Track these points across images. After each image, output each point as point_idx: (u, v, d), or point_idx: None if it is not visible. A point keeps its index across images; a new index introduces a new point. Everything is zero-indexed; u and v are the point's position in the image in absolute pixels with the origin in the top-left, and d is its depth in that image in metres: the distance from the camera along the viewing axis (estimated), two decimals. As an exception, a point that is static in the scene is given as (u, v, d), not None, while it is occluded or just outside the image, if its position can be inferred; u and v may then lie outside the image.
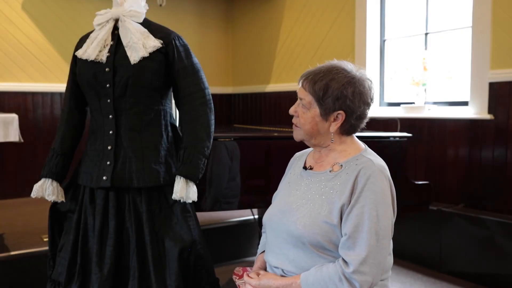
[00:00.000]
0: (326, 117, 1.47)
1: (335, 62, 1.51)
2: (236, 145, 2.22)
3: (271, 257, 1.55)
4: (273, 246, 1.55)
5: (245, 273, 1.64)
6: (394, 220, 1.46)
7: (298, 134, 1.55)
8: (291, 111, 1.54)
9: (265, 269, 1.60)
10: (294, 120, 1.55)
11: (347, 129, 1.50)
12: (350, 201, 1.39)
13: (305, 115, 1.50)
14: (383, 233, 1.36)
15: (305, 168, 1.59)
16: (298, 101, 1.52)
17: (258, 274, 1.54)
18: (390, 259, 1.52)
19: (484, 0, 3.25)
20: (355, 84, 1.45)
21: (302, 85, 1.50)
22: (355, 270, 1.32)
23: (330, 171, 1.50)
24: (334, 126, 1.48)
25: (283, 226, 1.50)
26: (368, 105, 1.49)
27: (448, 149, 3.50)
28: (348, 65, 1.49)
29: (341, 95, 1.43)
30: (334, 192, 1.44)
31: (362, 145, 1.56)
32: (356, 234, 1.35)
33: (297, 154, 1.73)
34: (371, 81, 1.50)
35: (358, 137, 1.59)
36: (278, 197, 1.64)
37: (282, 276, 1.49)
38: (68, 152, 2.05)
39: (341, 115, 1.46)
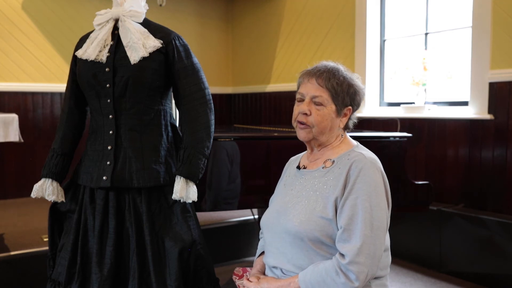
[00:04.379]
0: (339, 113, 1.52)
1: (330, 62, 1.56)
2: (236, 147, 2.21)
3: (270, 257, 1.56)
4: (271, 247, 1.55)
5: (245, 275, 1.64)
6: (389, 212, 1.47)
7: (308, 133, 1.52)
8: (304, 109, 1.50)
9: (264, 273, 1.60)
10: (303, 118, 1.51)
11: (346, 125, 1.57)
12: (343, 194, 1.41)
13: (320, 112, 1.49)
14: (377, 223, 1.37)
15: (298, 167, 1.61)
16: (308, 99, 1.50)
17: (257, 278, 1.54)
18: (388, 256, 1.53)
19: (484, 0, 3.25)
20: (355, 81, 1.54)
21: (317, 82, 1.50)
22: (350, 261, 1.33)
23: (323, 167, 1.52)
24: (344, 121, 1.54)
25: (280, 226, 1.51)
26: (362, 100, 1.59)
27: (448, 149, 3.50)
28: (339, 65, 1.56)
29: (352, 91, 1.52)
30: (328, 187, 1.46)
31: (354, 142, 1.59)
32: (351, 226, 1.37)
33: (292, 158, 1.75)
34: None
35: (359, 137, 1.60)
36: (275, 200, 1.65)
37: (281, 276, 1.50)
38: (68, 152, 2.05)
39: (348, 111, 1.53)
